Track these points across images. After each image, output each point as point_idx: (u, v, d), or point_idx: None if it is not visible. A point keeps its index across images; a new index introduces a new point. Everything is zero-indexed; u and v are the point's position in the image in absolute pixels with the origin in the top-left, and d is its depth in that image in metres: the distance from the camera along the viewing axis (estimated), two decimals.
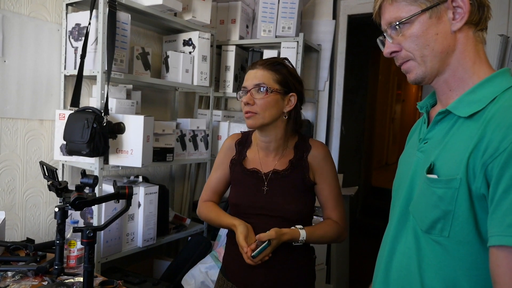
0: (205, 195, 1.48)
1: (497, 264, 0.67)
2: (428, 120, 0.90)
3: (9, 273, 1.38)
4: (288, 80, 1.30)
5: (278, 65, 1.31)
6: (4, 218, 1.64)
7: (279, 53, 2.55)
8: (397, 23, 0.81)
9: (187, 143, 2.41)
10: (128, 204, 1.31)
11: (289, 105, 1.30)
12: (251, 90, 1.27)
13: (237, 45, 2.68)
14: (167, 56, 2.30)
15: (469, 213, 0.72)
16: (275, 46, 2.64)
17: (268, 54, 2.57)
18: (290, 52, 2.49)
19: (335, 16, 2.85)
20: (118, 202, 1.86)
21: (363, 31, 4.47)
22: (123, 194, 1.29)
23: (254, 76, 1.29)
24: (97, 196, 1.28)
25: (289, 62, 1.37)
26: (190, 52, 2.39)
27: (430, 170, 0.78)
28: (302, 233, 1.26)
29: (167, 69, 2.31)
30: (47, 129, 2.03)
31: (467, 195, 0.72)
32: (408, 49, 0.82)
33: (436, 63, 0.80)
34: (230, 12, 2.71)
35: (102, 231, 1.86)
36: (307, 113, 2.93)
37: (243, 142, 1.43)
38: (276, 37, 2.61)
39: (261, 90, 1.26)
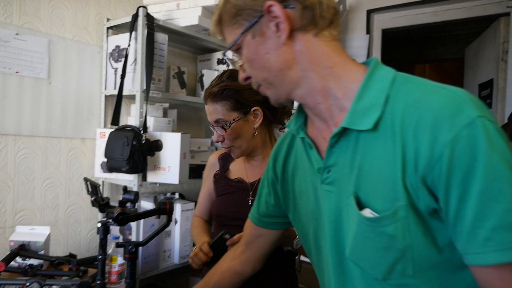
0: (196, 210, 1.49)
1: (492, 283, 0.58)
2: (314, 144, 0.75)
3: (54, 287, 1.41)
4: (242, 101, 1.21)
5: (224, 91, 1.20)
6: (49, 233, 1.69)
7: None
8: (228, 50, 0.73)
9: None
10: (169, 219, 1.31)
11: (256, 120, 1.23)
12: (215, 127, 1.23)
13: None
14: (202, 75, 2.34)
15: (426, 235, 0.61)
16: None
17: None
18: None
19: (368, 30, 2.83)
20: (159, 217, 1.88)
21: (396, 45, 4.42)
22: (164, 209, 1.29)
23: (209, 112, 1.23)
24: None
25: (233, 76, 1.22)
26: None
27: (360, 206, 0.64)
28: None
29: (202, 87, 2.35)
30: (88, 147, 2.09)
31: (417, 218, 0.60)
32: (251, 75, 0.73)
33: (281, 83, 0.70)
34: None
35: (140, 248, 1.88)
36: None
37: (227, 156, 1.38)
38: None
39: (221, 125, 1.21)
